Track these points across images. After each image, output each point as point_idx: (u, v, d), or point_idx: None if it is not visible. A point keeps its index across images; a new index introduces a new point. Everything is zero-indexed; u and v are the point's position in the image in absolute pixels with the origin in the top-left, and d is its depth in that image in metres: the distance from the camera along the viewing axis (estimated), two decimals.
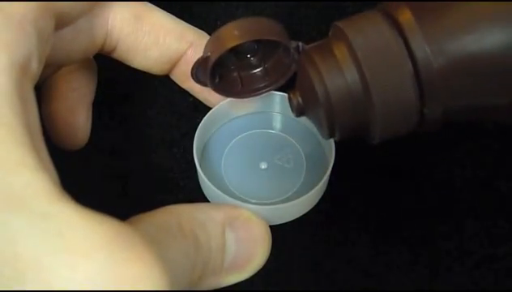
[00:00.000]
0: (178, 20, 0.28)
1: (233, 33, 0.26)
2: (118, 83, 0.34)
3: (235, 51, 0.28)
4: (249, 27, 0.26)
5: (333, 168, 0.27)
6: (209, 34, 0.29)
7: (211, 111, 0.29)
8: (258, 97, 0.29)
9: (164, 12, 0.28)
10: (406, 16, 0.22)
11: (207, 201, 0.29)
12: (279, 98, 0.30)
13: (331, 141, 0.28)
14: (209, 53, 0.26)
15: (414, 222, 0.29)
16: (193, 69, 0.27)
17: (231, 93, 0.29)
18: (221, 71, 0.28)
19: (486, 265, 0.28)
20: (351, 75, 0.22)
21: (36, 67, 0.20)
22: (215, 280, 0.23)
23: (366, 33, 0.22)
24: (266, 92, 0.29)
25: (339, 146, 0.28)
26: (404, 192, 0.30)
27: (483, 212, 0.29)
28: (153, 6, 0.28)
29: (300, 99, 0.25)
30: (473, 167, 0.31)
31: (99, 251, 0.16)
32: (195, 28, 0.29)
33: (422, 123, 0.23)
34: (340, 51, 0.23)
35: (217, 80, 0.28)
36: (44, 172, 0.17)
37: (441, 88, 0.22)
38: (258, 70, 0.29)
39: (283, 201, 0.28)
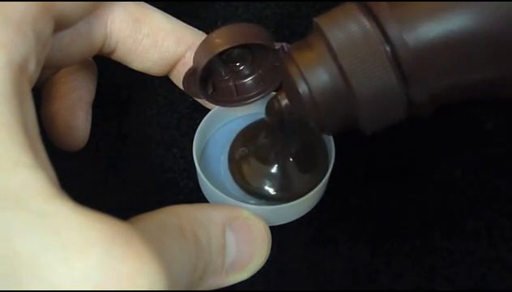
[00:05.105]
0: (177, 22, 0.28)
1: (215, 42, 0.26)
2: (118, 83, 0.34)
3: (224, 60, 0.28)
4: (231, 34, 0.26)
5: (333, 168, 0.27)
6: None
7: (210, 112, 0.29)
8: None
9: (164, 14, 0.28)
10: (380, 4, 0.21)
11: (207, 201, 0.29)
12: None
13: (331, 142, 0.28)
14: (196, 65, 0.26)
15: (414, 222, 0.29)
16: (184, 81, 0.27)
17: (227, 102, 0.29)
18: (214, 81, 0.28)
19: (486, 265, 0.28)
20: (330, 68, 0.22)
21: (33, 68, 0.20)
22: (216, 280, 0.23)
23: (341, 24, 0.22)
24: (262, 97, 0.29)
25: (339, 147, 0.28)
26: (404, 192, 0.30)
27: (483, 212, 0.29)
28: (152, 7, 0.28)
29: (286, 100, 0.25)
30: (473, 167, 0.31)
31: (96, 248, 0.16)
32: (194, 29, 0.29)
33: (411, 108, 0.22)
34: (318, 45, 0.22)
35: (210, 91, 0.28)
36: (41, 171, 0.17)
37: (422, 69, 0.21)
38: (253, 77, 0.29)
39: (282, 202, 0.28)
